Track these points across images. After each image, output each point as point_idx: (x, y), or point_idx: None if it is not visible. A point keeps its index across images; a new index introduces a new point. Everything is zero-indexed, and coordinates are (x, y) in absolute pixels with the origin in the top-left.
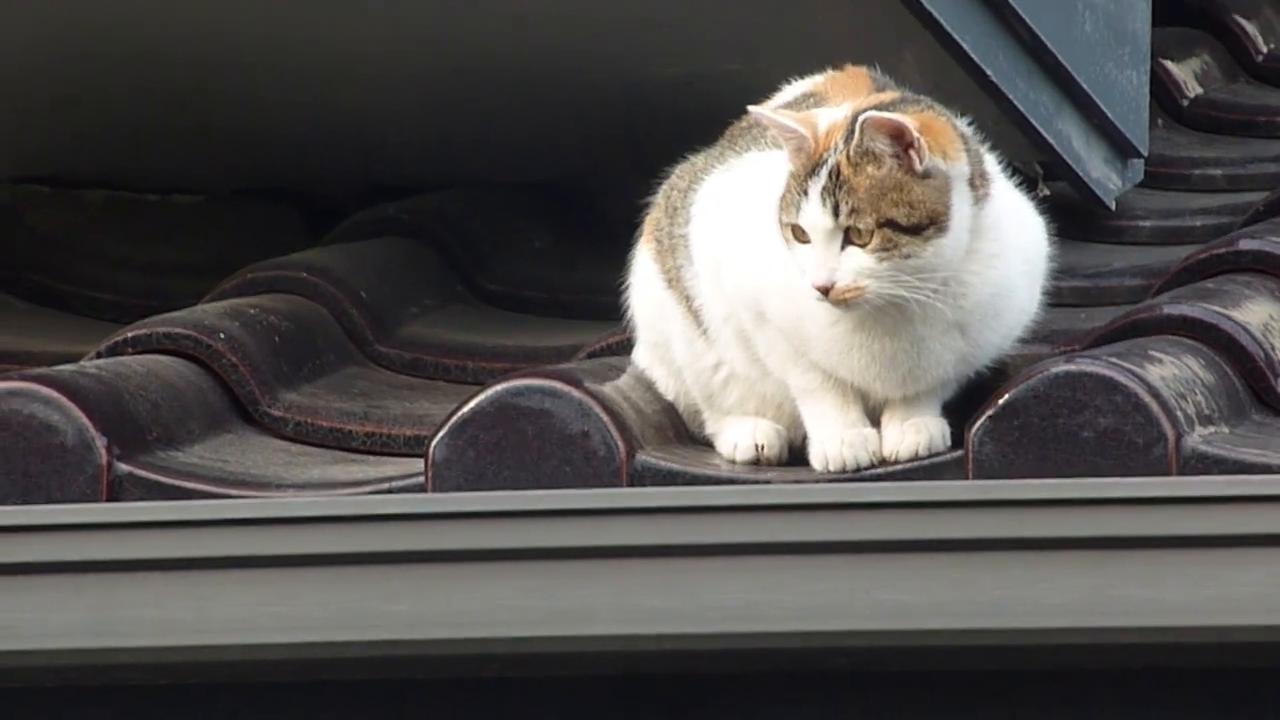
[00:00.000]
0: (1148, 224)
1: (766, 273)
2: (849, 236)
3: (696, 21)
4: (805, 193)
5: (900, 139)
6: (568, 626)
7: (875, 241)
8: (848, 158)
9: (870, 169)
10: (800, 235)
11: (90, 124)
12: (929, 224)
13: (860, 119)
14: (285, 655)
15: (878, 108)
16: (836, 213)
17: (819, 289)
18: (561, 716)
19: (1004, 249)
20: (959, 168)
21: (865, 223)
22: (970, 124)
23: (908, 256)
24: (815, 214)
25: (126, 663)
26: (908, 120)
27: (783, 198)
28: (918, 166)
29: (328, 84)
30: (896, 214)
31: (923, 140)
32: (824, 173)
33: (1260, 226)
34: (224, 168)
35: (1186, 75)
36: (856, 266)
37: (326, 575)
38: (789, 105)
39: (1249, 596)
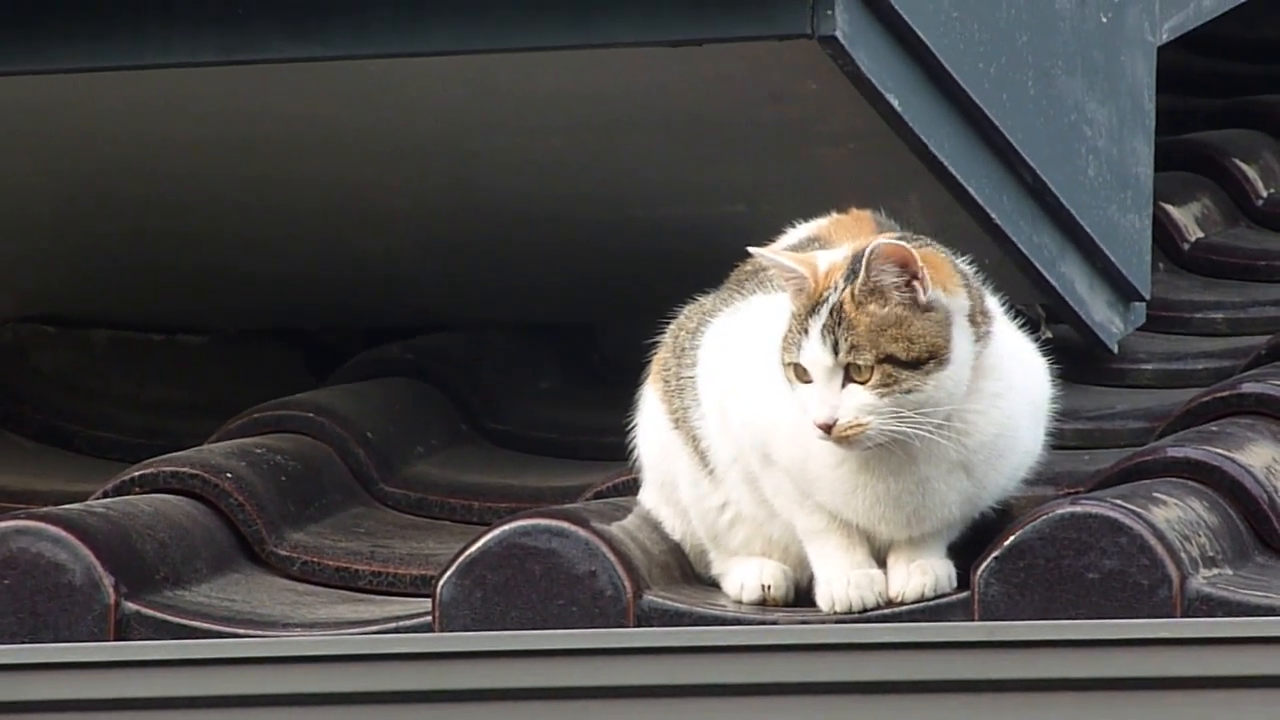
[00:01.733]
0: (1150, 367)
1: (772, 414)
2: (849, 374)
3: (702, 166)
4: (806, 331)
5: (907, 268)
6: None
7: (875, 378)
8: (851, 294)
9: (872, 306)
10: (802, 374)
11: (95, 265)
12: (929, 358)
13: (870, 248)
14: None
15: (877, 242)
16: (836, 350)
17: (821, 427)
18: None
19: (1008, 389)
20: (959, 302)
21: (865, 359)
22: (971, 264)
23: (908, 391)
24: (816, 352)
25: None
26: (914, 249)
27: (785, 338)
28: (922, 297)
29: (331, 226)
30: (896, 349)
31: (926, 272)
32: (824, 311)
33: (1262, 370)
34: (228, 308)
35: (1187, 219)
36: (858, 403)
37: (333, 715)
38: (793, 248)
39: None
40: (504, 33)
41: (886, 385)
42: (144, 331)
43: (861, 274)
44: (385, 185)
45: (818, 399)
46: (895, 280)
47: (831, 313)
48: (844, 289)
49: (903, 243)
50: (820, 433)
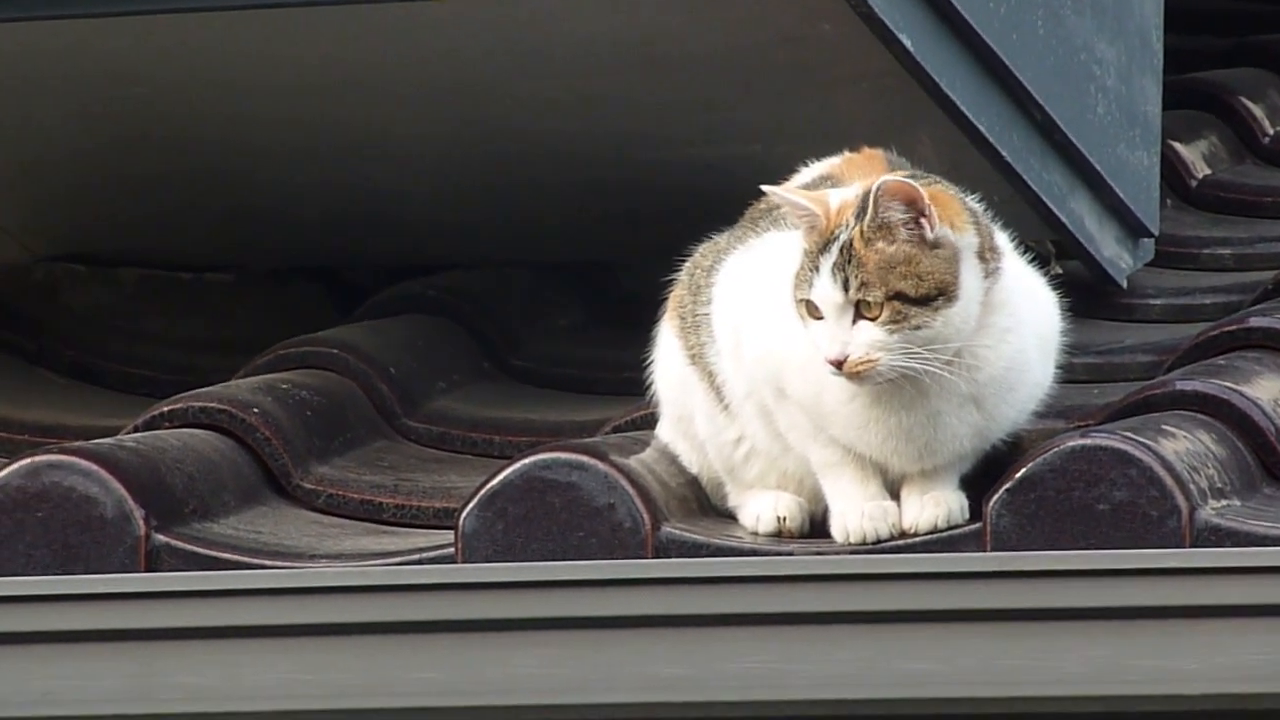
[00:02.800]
0: (1158, 302)
1: (786, 350)
2: (860, 310)
3: (718, 106)
4: (817, 269)
5: (914, 205)
6: (593, 695)
7: (885, 314)
8: (860, 232)
9: (881, 244)
10: (814, 311)
11: (125, 205)
12: (937, 295)
13: (876, 186)
14: None
15: (885, 180)
16: (846, 287)
17: (832, 362)
18: None
19: (1017, 324)
20: (967, 239)
21: (874, 296)
22: (981, 201)
23: (918, 328)
24: (826, 289)
25: None
26: (920, 187)
27: (797, 275)
28: (929, 234)
29: (356, 166)
30: (905, 286)
31: (933, 209)
32: (835, 249)
33: (1269, 304)
34: (255, 247)
35: (1195, 156)
36: (868, 339)
37: (357, 644)
38: (807, 186)
39: (1261, 665)
40: None
41: (896, 322)
42: (173, 270)
43: (869, 211)
44: (410, 126)
45: (829, 335)
46: (902, 217)
47: (842, 250)
48: (854, 226)
49: (909, 180)
50: (832, 368)
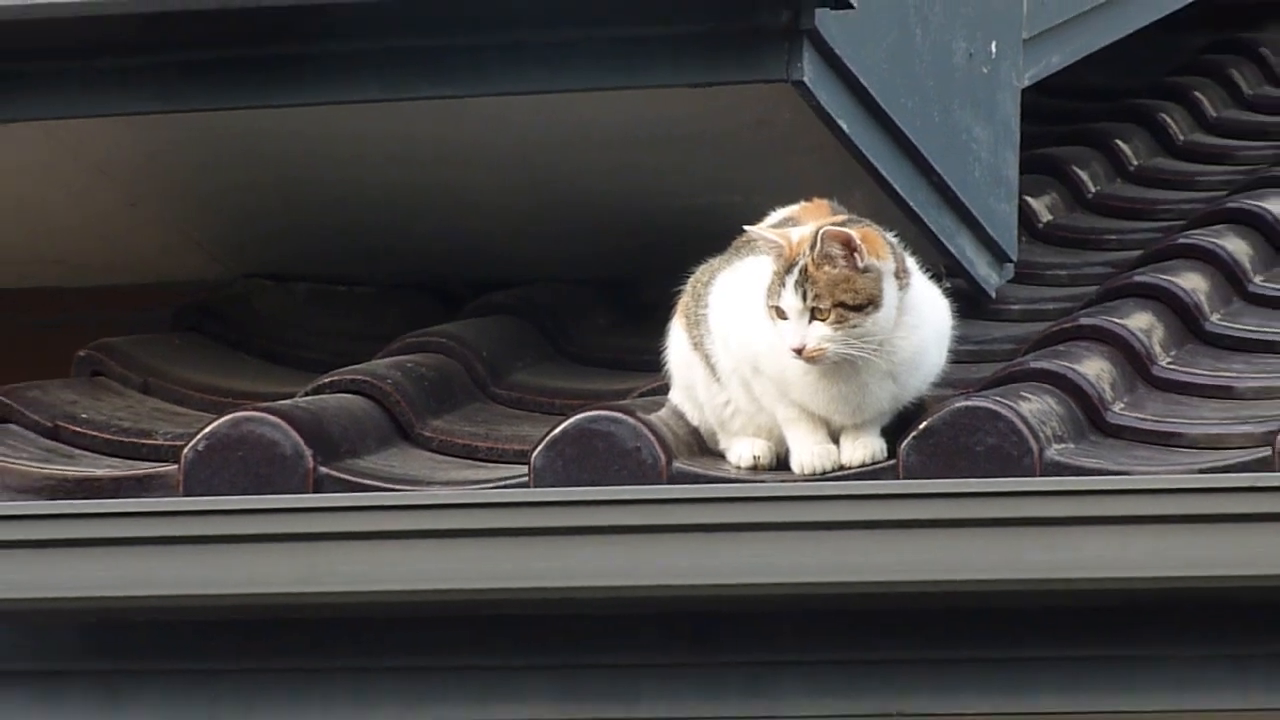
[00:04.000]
0: (1017, 307)
1: (758, 340)
2: (814, 314)
3: (710, 168)
4: (784, 284)
5: (847, 245)
6: (626, 579)
7: (832, 317)
8: (812, 260)
9: (827, 268)
10: (780, 314)
11: (300, 236)
12: (868, 304)
13: (821, 231)
14: (433, 599)
15: (833, 224)
16: (804, 298)
17: (794, 350)
18: (622, 641)
19: (921, 322)
20: (887, 265)
21: (824, 304)
22: (896, 235)
23: (854, 327)
24: (790, 299)
25: (327, 602)
26: (853, 232)
27: (768, 288)
28: (859, 264)
29: (461, 213)
30: (845, 297)
31: (863, 246)
32: (796, 270)
33: (1092, 309)
34: (391, 268)
35: (1041, 207)
36: (819, 334)
37: (460, 546)
38: (775, 225)
39: (1088, 558)
40: (572, 77)
41: (839, 322)
42: (333, 284)
43: (817, 247)
44: (495, 184)
45: (792, 331)
46: (840, 252)
47: (801, 272)
48: (808, 256)
49: (843, 227)
50: (793, 354)
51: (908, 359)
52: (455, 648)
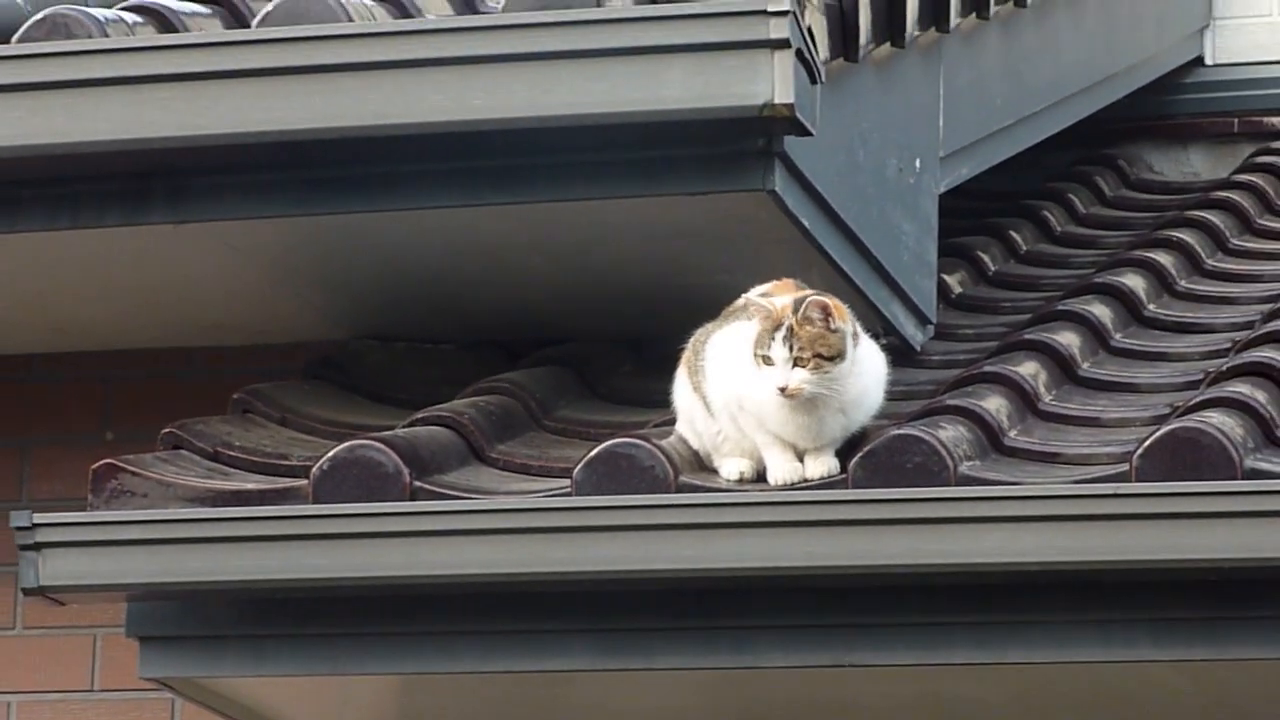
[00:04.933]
0: (936, 358)
1: (743, 384)
2: (796, 362)
3: (703, 256)
4: (773, 339)
5: (825, 310)
6: (644, 565)
7: (810, 365)
8: (797, 321)
9: (809, 327)
10: (768, 361)
11: (397, 305)
12: (837, 355)
13: (806, 300)
14: (500, 579)
15: (816, 295)
16: (790, 349)
17: (779, 389)
18: (641, 611)
19: (865, 370)
20: (848, 327)
21: (806, 355)
22: (848, 306)
23: (826, 373)
24: (779, 350)
25: (421, 583)
26: (829, 301)
27: (756, 341)
28: (832, 326)
29: (520, 288)
30: (822, 350)
31: (835, 312)
32: (783, 329)
33: (993, 360)
34: (467, 329)
35: (954, 282)
36: (800, 377)
37: (518, 541)
38: (755, 297)
39: (989, 548)
40: (604, 188)
41: (815, 369)
42: (423, 343)
43: (801, 312)
44: (547, 267)
45: (779, 375)
46: (819, 316)
47: (787, 330)
48: (792, 318)
49: (823, 296)
50: (778, 392)
51: (855, 398)
52: (517, 616)
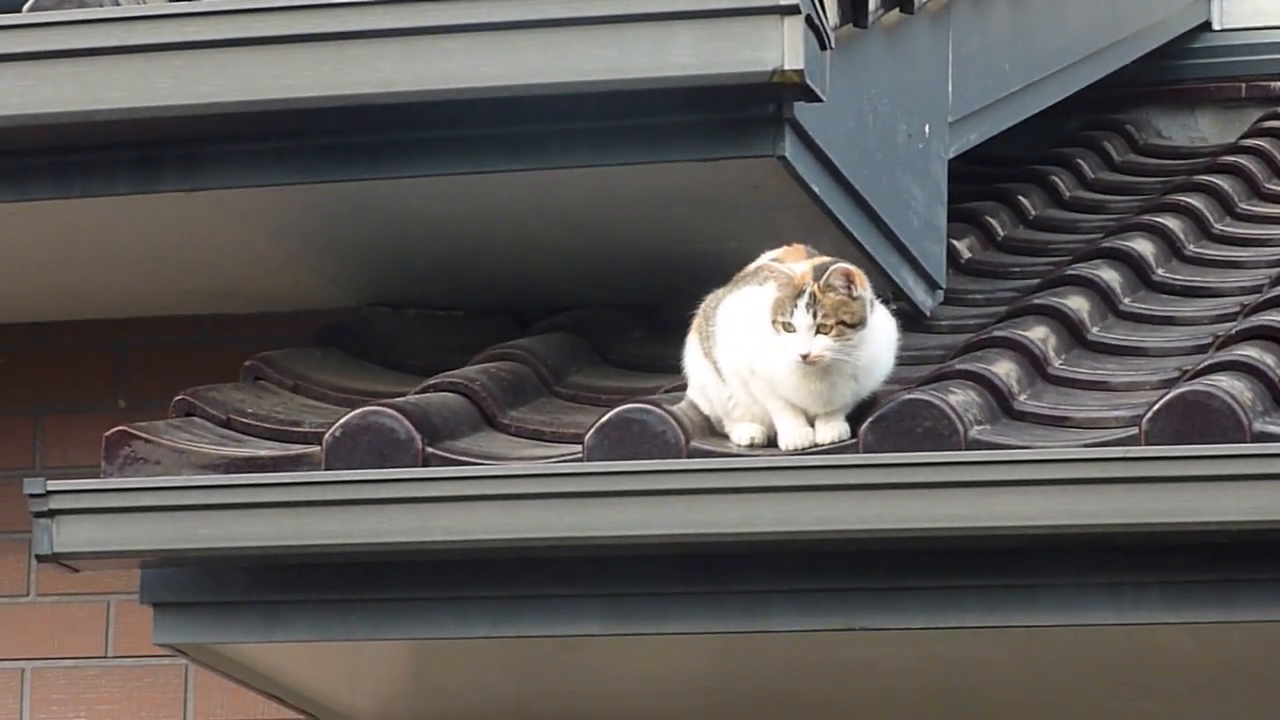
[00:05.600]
0: (945, 323)
1: (755, 349)
2: (819, 329)
3: (716, 223)
4: (795, 306)
5: (849, 277)
6: (655, 529)
7: (834, 332)
8: (819, 288)
9: (831, 295)
10: (789, 328)
11: (408, 272)
12: (859, 323)
13: (832, 268)
14: (511, 545)
15: (833, 262)
16: (814, 316)
17: (802, 356)
18: (652, 576)
19: (876, 337)
20: (868, 294)
21: (829, 321)
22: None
23: (848, 339)
24: (802, 317)
25: (433, 549)
26: (853, 268)
27: (775, 307)
28: (854, 293)
29: (531, 254)
30: (845, 317)
31: (858, 279)
32: (806, 295)
33: (1002, 324)
34: (479, 295)
35: (963, 247)
36: (823, 344)
37: (532, 506)
38: (766, 262)
39: (1000, 511)
40: (613, 155)
41: (839, 337)
42: (434, 309)
43: (825, 279)
44: (557, 233)
45: (802, 341)
46: (843, 284)
47: (810, 297)
48: (815, 284)
49: (845, 264)
50: (800, 359)
51: (866, 364)
52: (529, 581)
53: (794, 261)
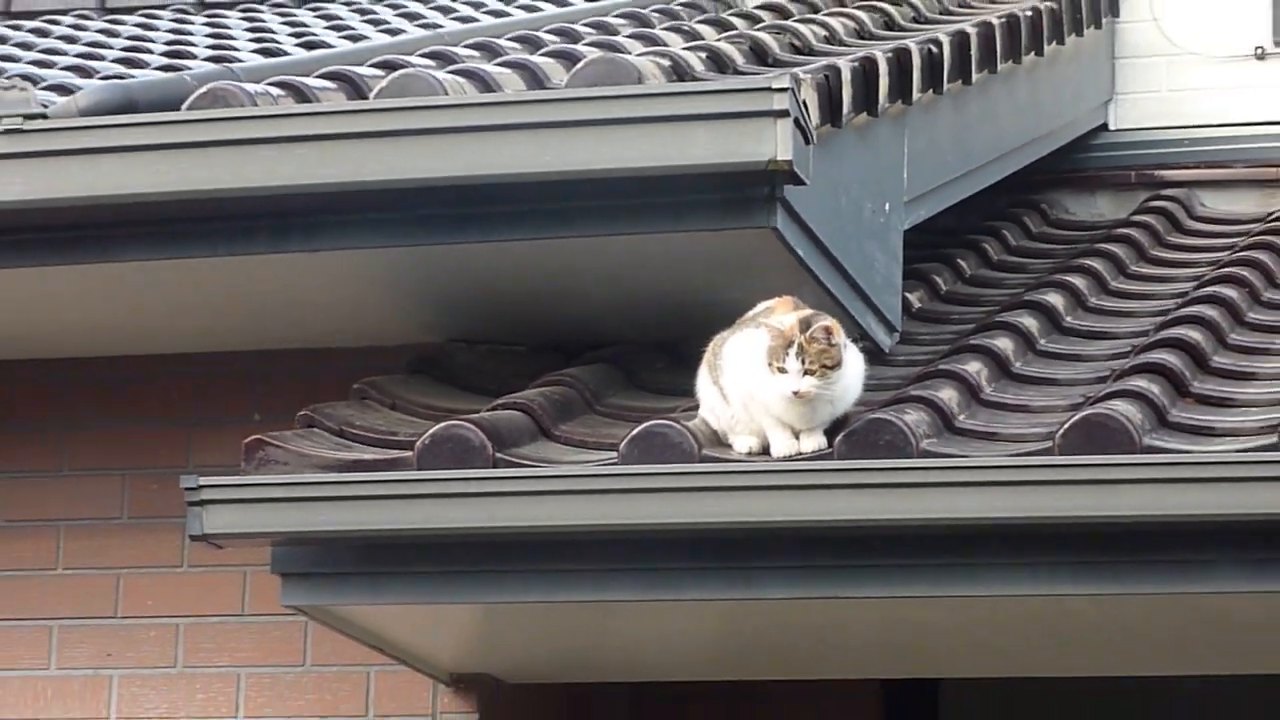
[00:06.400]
0: (901, 358)
1: (754, 382)
2: (806, 371)
3: (721, 278)
4: (786, 354)
5: (829, 330)
6: (675, 519)
7: (818, 373)
8: (805, 340)
9: (816, 345)
10: (783, 371)
11: (481, 315)
12: (836, 364)
13: (815, 325)
14: (564, 531)
15: (814, 316)
16: (803, 362)
17: (794, 392)
18: (673, 556)
19: (849, 370)
20: (843, 340)
21: (815, 366)
22: (834, 317)
23: (828, 378)
24: (793, 363)
25: (504, 534)
26: (833, 324)
27: (771, 354)
28: (833, 341)
29: (577, 303)
30: (826, 361)
31: (837, 332)
32: (795, 346)
33: (946, 359)
34: (534, 335)
35: (914, 299)
36: (810, 383)
37: (577, 498)
38: (761, 311)
39: (942, 506)
40: (643, 226)
41: (821, 377)
42: (500, 344)
43: (809, 333)
44: (599, 288)
45: (794, 381)
46: (824, 336)
47: (799, 347)
48: (801, 337)
49: (825, 319)
50: (792, 394)
51: (841, 392)
52: (575, 559)
53: (783, 311)
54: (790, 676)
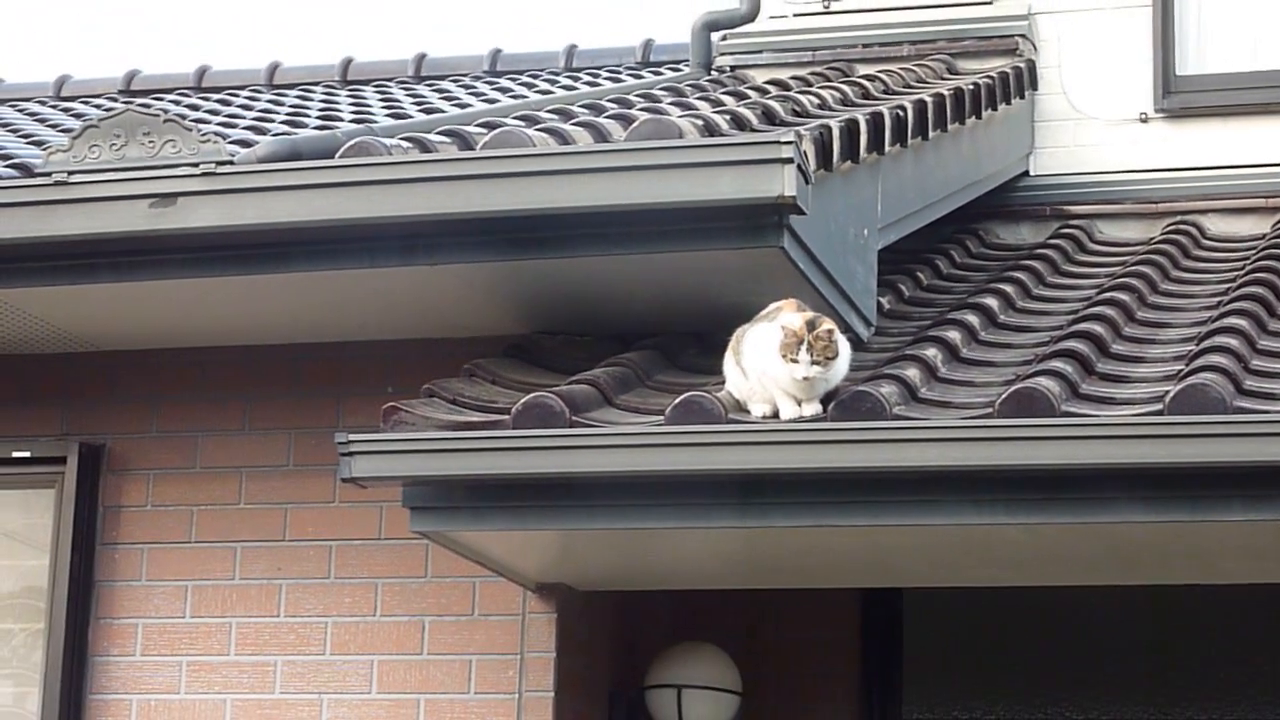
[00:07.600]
0: (876, 346)
1: (769, 366)
2: (812, 362)
3: (737, 286)
4: (799, 349)
5: (830, 332)
6: (707, 466)
7: (822, 362)
8: (814, 337)
9: (819, 342)
10: (795, 361)
11: (560, 313)
12: (836, 356)
13: (819, 327)
14: (630, 474)
15: (818, 319)
16: (811, 355)
17: (804, 377)
18: (706, 495)
19: (840, 356)
20: (839, 337)
21: (818, 359)
22: (828, 315)
23: (829, 367)
24: (803, 356)
25: (587, 476)
26: (833, 326)
27: (785, 349)
28: (832, 339)
29: (630, 304)
30: (827, 354)
31: (835, 332)
32: (805, 342)
33: (911, 346)
34: (600, 327)
35: (885, 301)
36: (815, 370)
37: (638, 450)
38: (772, 309)
39: (911, 457)
40: (677, 245)
41: (824, 366)
42: (574, 335)
43: (815, 333)
44: (645, 294)
45: (804, 369)
46: (826, 335)
47: (808, 343)
48: (809, 334)
49: (826, 321)
50: (802, 379)
51: (834, 373)
52: (629, 496)
53: (790, 311)
54: (792, 586)
